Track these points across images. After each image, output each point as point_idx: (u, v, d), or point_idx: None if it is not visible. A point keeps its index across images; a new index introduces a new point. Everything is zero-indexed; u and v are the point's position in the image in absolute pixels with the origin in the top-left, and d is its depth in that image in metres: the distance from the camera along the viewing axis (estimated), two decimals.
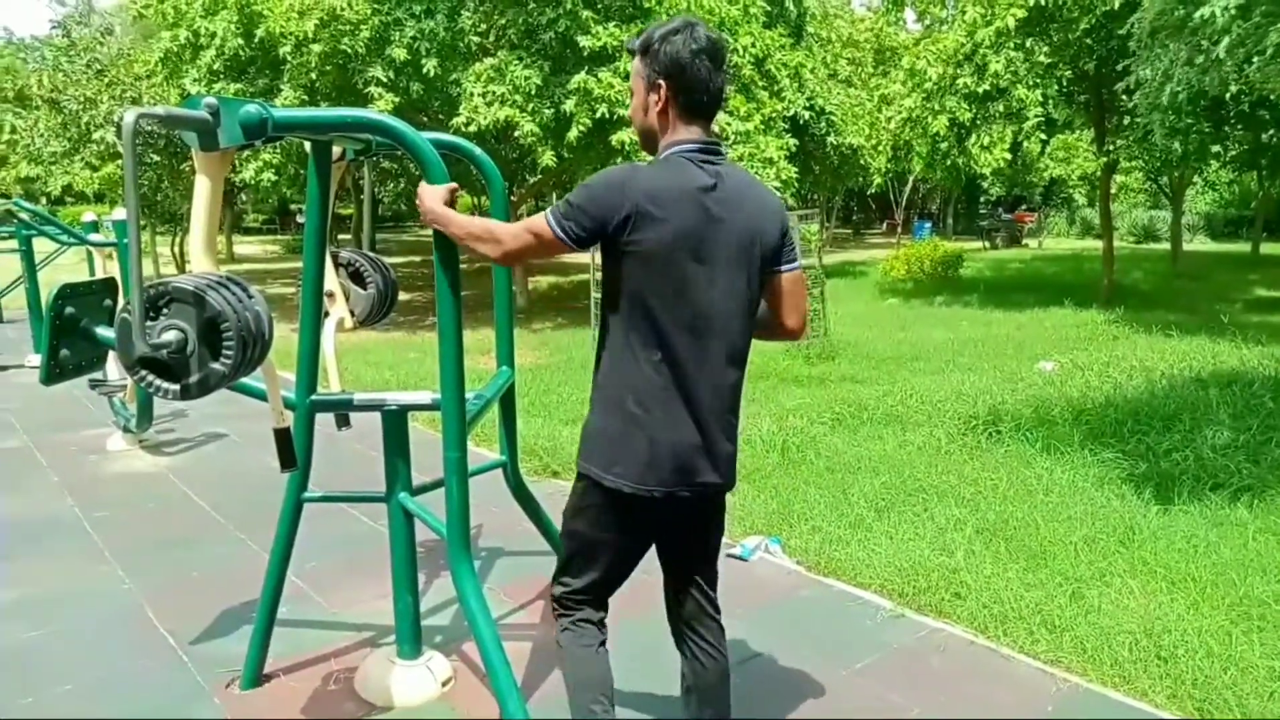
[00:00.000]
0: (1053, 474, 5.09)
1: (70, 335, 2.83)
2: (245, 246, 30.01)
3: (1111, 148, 13.21)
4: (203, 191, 2.40)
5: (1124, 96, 12.13)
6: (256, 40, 10.92)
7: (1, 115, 16.27)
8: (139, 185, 1.91)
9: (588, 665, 2.22)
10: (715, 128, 2.21)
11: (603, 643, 2.27)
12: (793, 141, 12.28)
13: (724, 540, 4.25)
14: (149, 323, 2.17)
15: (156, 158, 14.71)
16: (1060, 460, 5.32)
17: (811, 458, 5.53)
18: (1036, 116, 12.91)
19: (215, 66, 11.34)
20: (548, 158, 10.75)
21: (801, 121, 13.54)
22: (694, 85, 2.01)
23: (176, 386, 2.21)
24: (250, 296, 2.32)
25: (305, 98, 11.05)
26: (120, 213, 5.70)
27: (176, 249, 19.03)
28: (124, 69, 14.96)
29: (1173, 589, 3.64)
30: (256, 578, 3.16)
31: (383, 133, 2.40)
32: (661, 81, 2.02)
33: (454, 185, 2.35)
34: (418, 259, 24.01)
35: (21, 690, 3.04)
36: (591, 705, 2.18)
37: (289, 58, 10.73)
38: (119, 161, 14.88)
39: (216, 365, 2.21)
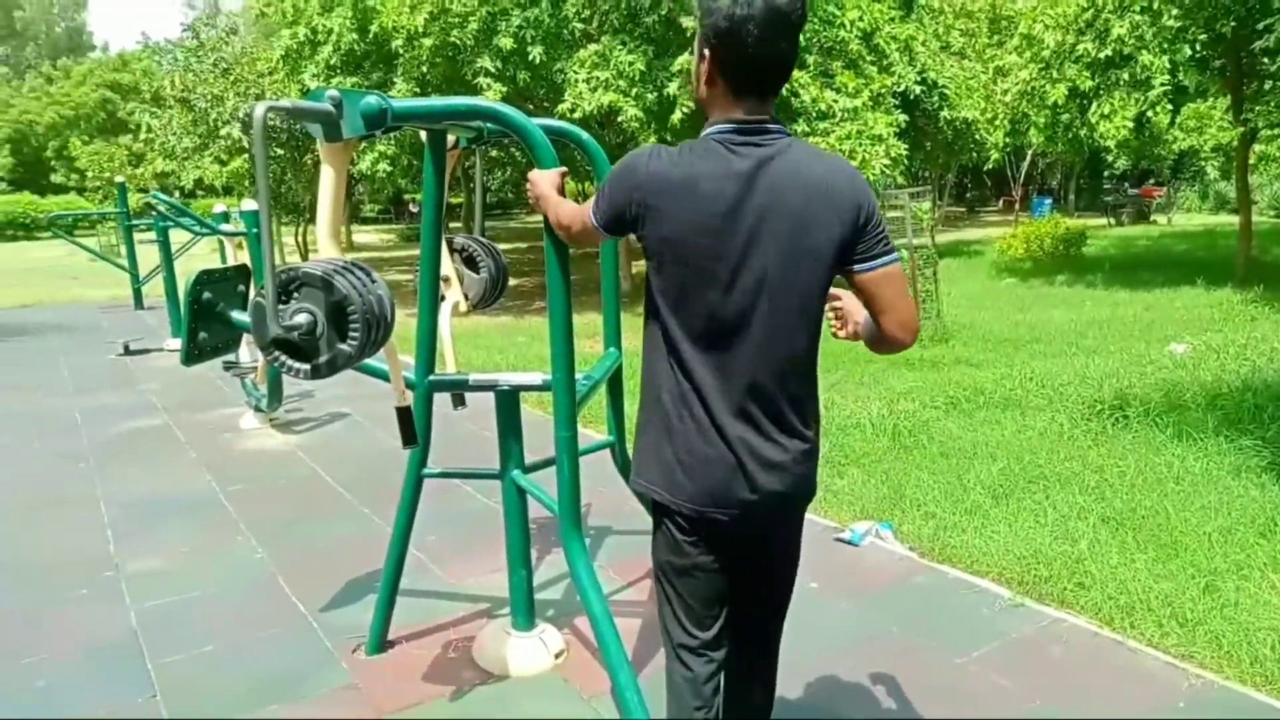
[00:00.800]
0: (1185, 462, 4.81)
1: (207, 319, 3.01)
2: (363, 235, 31.18)
3: (1250, 115, 12.31)
4: (328, 181, 2.51)
5: (1264, 59, 11.30)
6: (370, 35, 11.29)
7: (140, 115, 17.34)
8: (268, 178, 2.01)
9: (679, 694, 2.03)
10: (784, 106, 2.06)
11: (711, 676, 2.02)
12: (903, 117, 11.92)
13: (833, 525, 4.23)
14: (280, 306, 2.29)
15: (280, 151, 15.42)
16: (1193, 447, 5.03)
17: (924, 442, 5.40)
18: (1163, 85, 12.14)
19: (332, 62, 11.78)
20: (651, 141, 10.74)
21: (912, 96, 13.10)
22: (739, 55, 1.72)
23: (307, 366, 2.32)
24: (373, 281, 2.42)
25: (417, 90, 11.37)
26: (249, 204, 6.01)
27: (300, 238, 19.92)
28: (247, 67, 15.74)
29: None
30: (380, 550, 3.30)
31: (495, 119, 2.45)
32: (707, 50, 1.76)
33: (563, 170, 2.38)
34: (524, 245, 24.47)
35: (169, 648, 3.27)
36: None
37: (401, 51, 11.05)
38: (245, 156, 15.69)
39: (344, 346, 2.31)
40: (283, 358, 2.33)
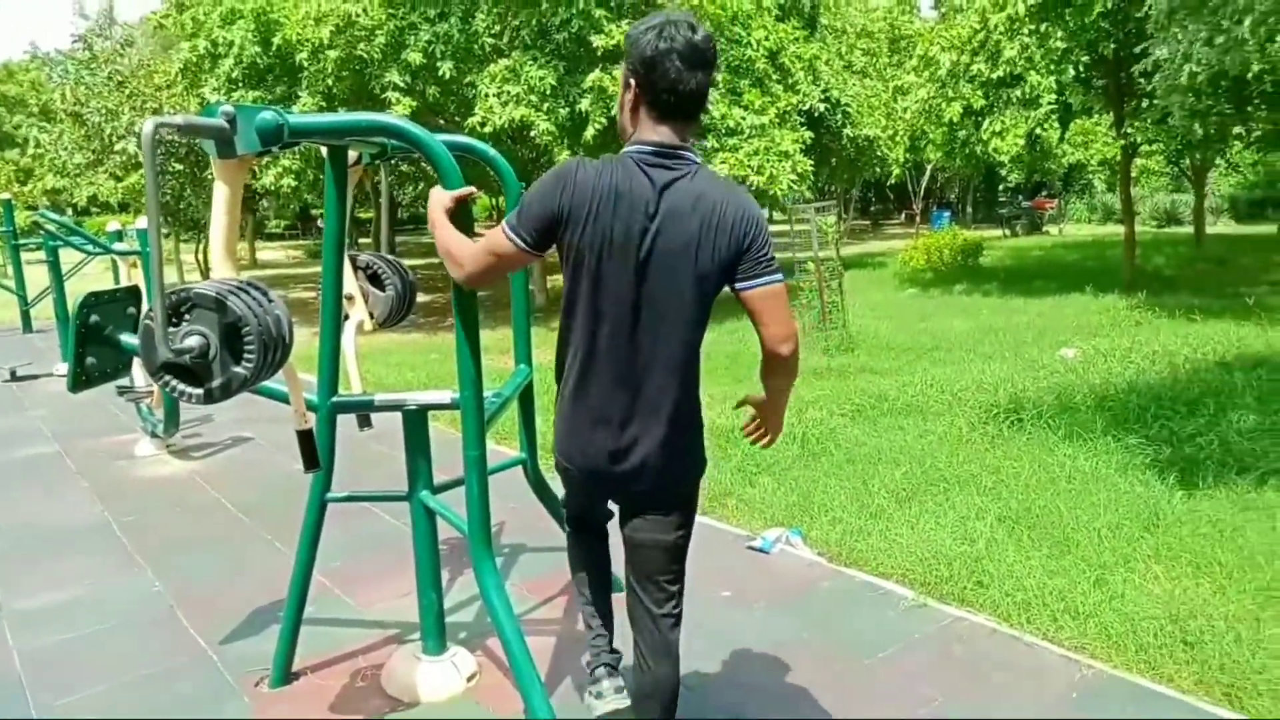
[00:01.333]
0: (1075, 461, 5.05)
1: (96, 343, 2.89)
2: (268, 252, 30.32)
3: (1130, 131, 13.07)
4: (222, 198, 2.44)
5: (1141, 79, 12.00)
6: (274, 48, 11.03)
7: (27, 129, 16.50)
8: (161, 194, 1.95)
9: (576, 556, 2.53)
10: (705, 129, 2.28)
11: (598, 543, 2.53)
12: (808, 134, 12.24)
13: (745, 533, 4.29)
14: (171, 329, 2.21)
15: (179, 166, 14.88)
16: (1083, 447, 5.29)
17: (831, 449, 5.53)
18: (1050, 103, 12.78)
19: (234, 75, 11.46)
20: (564, 157, 10.76)
21: (817, 114, 13.49)
22: (661, 84, 1.94)
23: (200, 391, 2.26)
24: (270, 301, 2.36)
25: (323, 104, 11.15)
26: (143, 221, 5.79)
27: (200, 256, 19.24)
28: (144, 80, 15.16)
29: (1198, 574, 3.62)
30: (284, 578, 3.21)
31: (397, 136, 2.43)
32: (633, 80, 1.99)
33: (469, 190, 2.37)
34: (437, 261, 24.11)
35: (58, 691, 3.10)
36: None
37: (306, 64, 10.83)
38: (141, 171, 15.08)
39: (238, 369, 2.25)
40: (174, 382, 2.26)
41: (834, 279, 9.19)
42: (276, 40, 10.91)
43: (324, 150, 2.86)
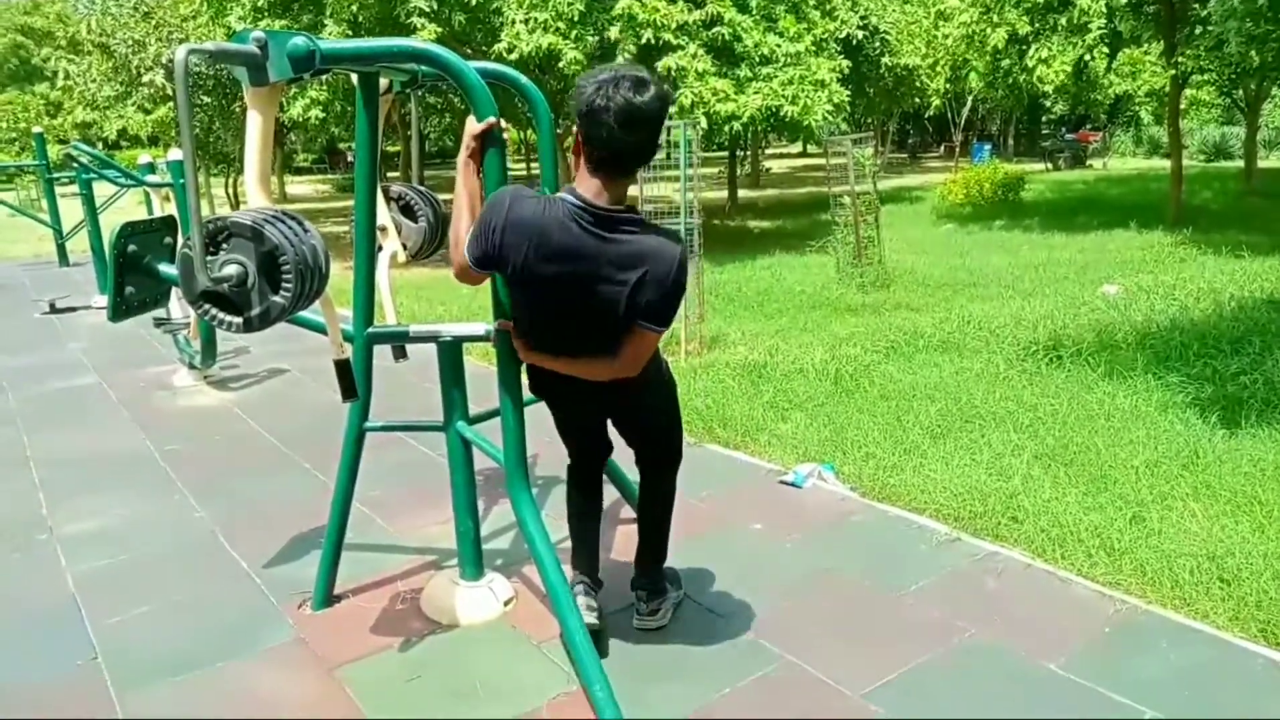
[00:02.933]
0: (1114, 399, 4.98)
1: (134, 272, 2.91)
2: (297, 186, 30.34)
3: (1182, 59, 12.58)
4: (254, 127, 2.42)
5: (1195, 5, 11.49)
6: None
7: (56, 62, 16.50)
8: (192, 125, 1.94)
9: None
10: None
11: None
12: (845, 63, 11.90)
13: (777, 468, 4.30)
14: (209, 257, 2.22)
15: (207, 99, 14.85)
16: (1123, 385, 5.21)
17: (865, 386, 5.49)
18: (1100, 29, 12.29)
19: (259, 4, 11.32)
20: None
21: (855, 42, 13.08)
22: (595, 139, 2.13)
23: (239, 319, 2.27)
24: (306, 231, 2.35)
25: (349, 32, 10.99)
26: (175, 154, 5.79)
27: (230, 189, 19.30)
28: (170, 10, 15.02)
29: (1237, 513, 3.57)
30: (323, 506, 3.27)
31: (429, 62, 2.38)
32: (575, 127, 2.20)
33: (492, 120, 2.34)
34: None
35: (109, 610, 3.21)
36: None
37: None
38: (171, 104, 15.05)
39: (276, 298, 2.25)
40: (213, 311, 2.27)
41: (870, 213, 9.03)
42: None
43: (354, 78, 2.82)
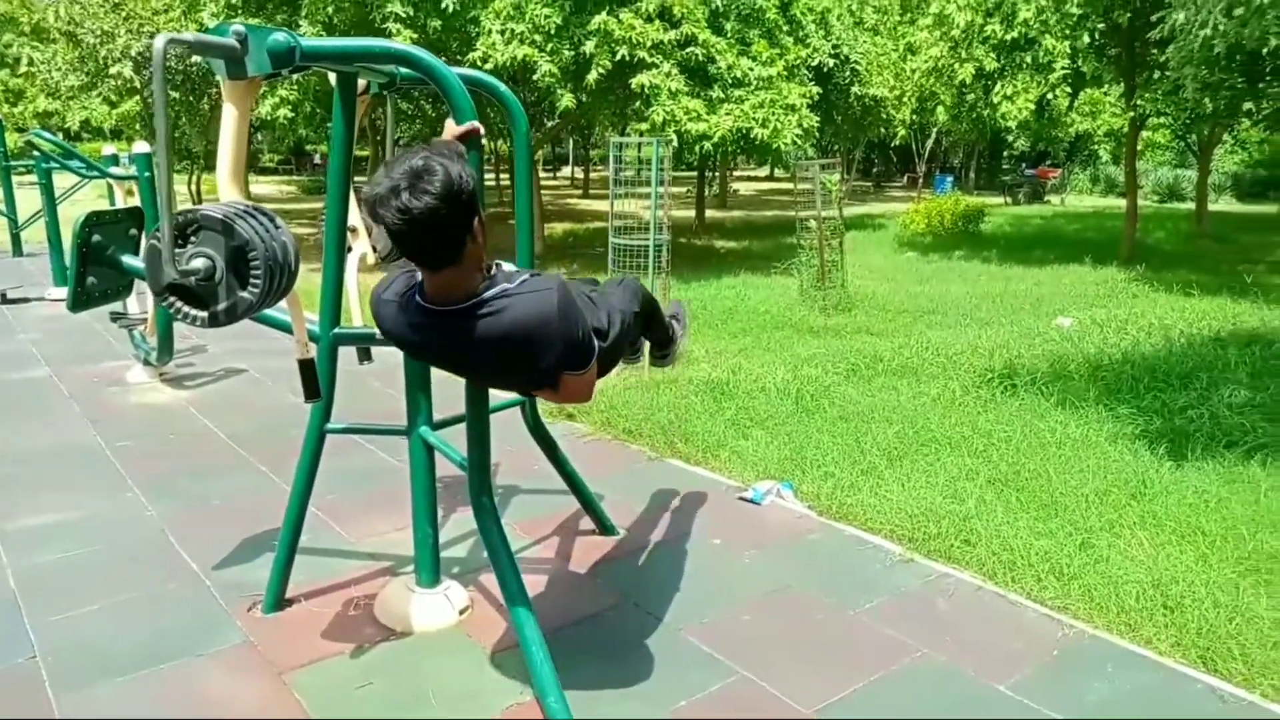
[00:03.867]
0: (1067, 428, 5.09)
1: (97, 263, 2.86)
2: (261, 187, 29.93)
3: (1140, 102, 12.94)
4: (230, 120, 2.40)
5: (1154, 50, 11.84)
6: None
7: (19, 48, 16.17)
8: (168, 116, 1.92)
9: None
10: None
11: None
12: (816, 90, 12.07)
13: (736, 484, 4.33)
14: (177, 250, 2.19)
15: (175, 95, 14.62)
16: (1075, 415, 5.33)
17: (825, 406, 5.55)
18: (1063, 69, 12.62)
19: (234, 1, 11.21)
20: (567, 100, 10.62)
21: (826, 69, 13.28)
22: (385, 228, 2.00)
23: (205, 314, 2.24)
24: (277, 227, 2.34)
25: (323, 33, 10.90)
26: (141, 147, 5.70)
27: (193, 186, 19.01)
28: (141, 3, 14.81)
29: (1182, 542, 3.67)
30: (277, 508, 3.24)
31: (411, 64, 2.39)
32: None
33: (473, 125, 2.35)
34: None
35: (50, 608, 3.13)
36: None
37: None
38: (137, 98, 14.81)
39: (244, 293, 2.24)
40: (178, 304, 2.24)
41: (835, 238, 9.15)
42: None
43: (332, 78, 2.81)
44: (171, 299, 2.23)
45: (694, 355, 7.11)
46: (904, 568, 3.54)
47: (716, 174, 27.54)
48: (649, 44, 10.24)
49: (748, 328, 8.39)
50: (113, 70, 14.31)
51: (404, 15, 10.51)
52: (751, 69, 10.94)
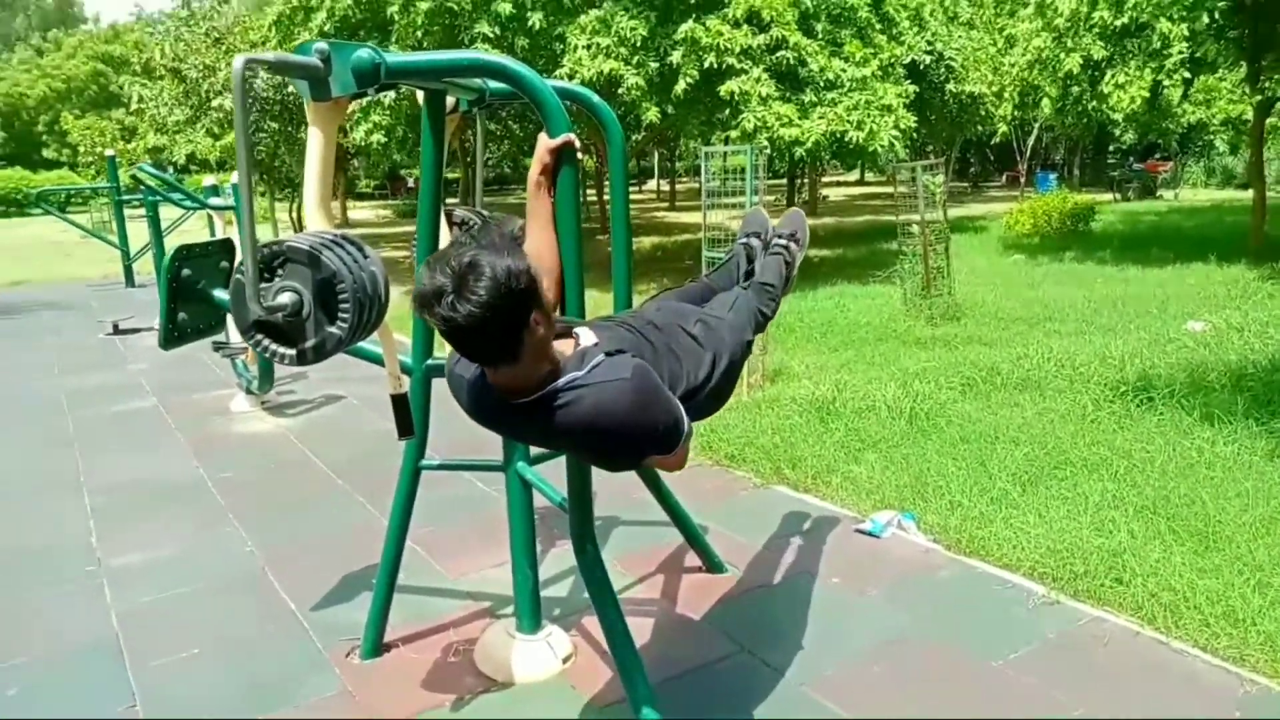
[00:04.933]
0: (1215, 446, 4.60)
1: (188, 298, 2.78)
2: (358, 212, 30.75)
3: (1267, 84, 12.02)
4: (315, 145, 2.27)
5: None
6: (365, 1, 10.95)
7: (130, 87, 16.96)
8: (255, 150, 1.76)
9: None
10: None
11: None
12: (912, 88, 11.61)
13: (852, 515, 4.03)
14: (264, 284, 2.06)
15: (274, 125, 15.07)
16: (1222, 430, 4.82)
17: (942, 425, 5.18)
18: (1180, 53, 11.82)
19: (326, 28, 11.42)
20: (652, 113, 10.44)
21: (921, 67, 12.79)
22: None
23: (293, 351, 2.10)
24: (366, 256, 2.19)
25: None
26: (239, 177, 5.74)
27: (294, 214, 19.60)
28: (240, 36, 15.34)
29: None
30: (376, 542, 3.11)
31: (502, 75, 2.21)
32: None
33: (567, 137, 2.16)
34: (522, 220, 23.98)
35: (152, 651, 3.06)
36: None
37: (396, 17, 10.71)
38: None
39: (333, 329, 2.09)
40: (266, 341, 2.11)
41: (940, 242, 8.70)
42: None
43: (420, 97, 2.67)
44: (258, 336, 2.10)
45: (793, 371, 6.81)
46: (1049, 611, 3.19)
47: (805, 180, 27.03)
48: (737, 50, 9.99)
49: (849, 340, 8.03)
50: (214, 103, 14.84)
51: (492, 35, 10.52)
52: (844, 70, 10.57)
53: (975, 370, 6.30)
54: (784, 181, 21.20)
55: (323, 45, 2.14)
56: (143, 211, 10.85)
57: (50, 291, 13.12)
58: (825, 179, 36.67)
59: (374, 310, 2.16)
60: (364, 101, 11.30)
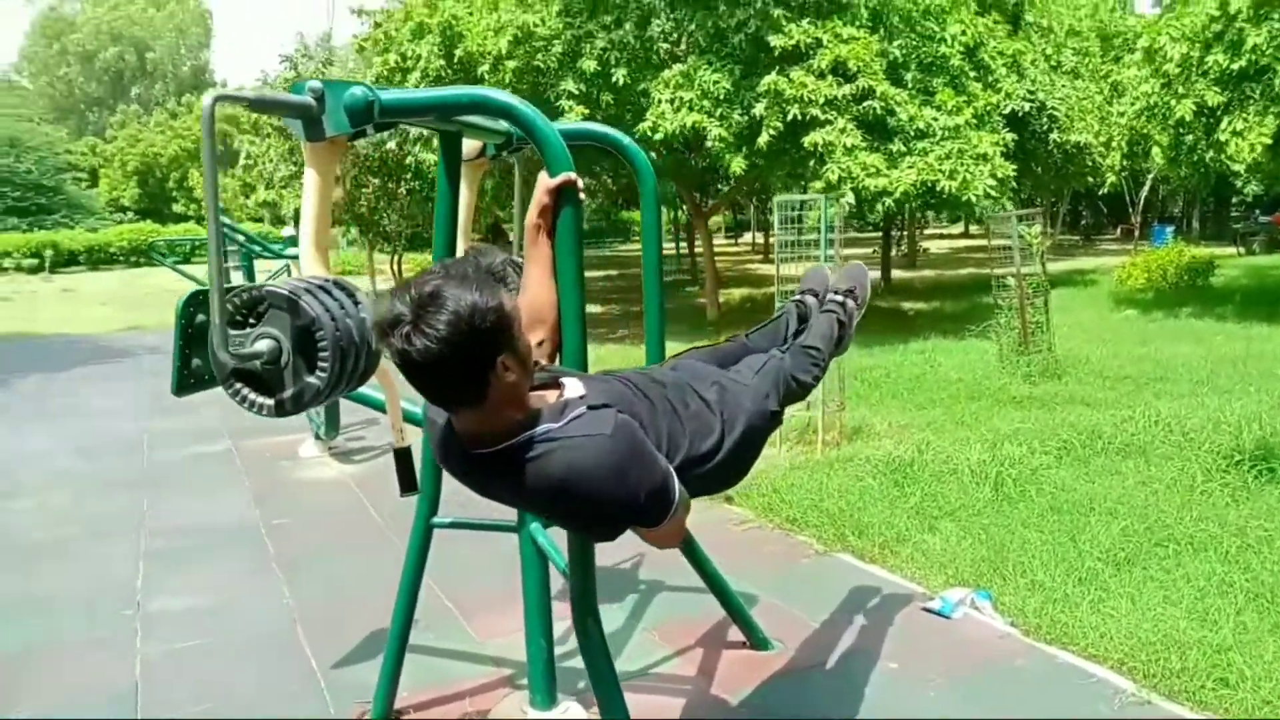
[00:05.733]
0: None
1: (203, 344, 2.71)
2: None
3: None
4: (311, 187, 2.18)
5: None
6: (456, 60, 11.26)
7: (240, 144, 17.93)
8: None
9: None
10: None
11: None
12: (1010, 136, 11.16)
13: (920, 590, 3.67)
14: (244, 331, 1.95)
15: (375, 180, 15.61)
16: None
17: (1032, 494, 4.74)
18: None
19: (420, 86, 11.81)
20: (737, 164, 10.31)
21: (1020, 114, 12.32)
22: None
23: (271, 401, 1.98)
24: (357, 303, 2.07)
25: None
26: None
27: (395, 266, 20.23)
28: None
29: None
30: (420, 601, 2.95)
31: (496, 110, 2.09)
32: None
33: (567, 176, 1.99)
34: (614, 272, 24.28)
35: (165, 706, 2.97)
36: None
37: (486, 76, 10.96)
38: (338, 186, 15.92)
39: (311, 379, 1.97)
40: (245, 391, 2.00)
41: (1038, 295, 8.21)
42: (459, 52, 11.13)
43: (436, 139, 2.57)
44: (237, 385, 1.99)
45: (874, 429, 6.44)
46: (1138, 712, 2.78)
47: (905, 232, 26.42)
48: (821, 100, 9.81)
49: (937, 398, 7.59)
50: None
51: (577, 92, 10.65)
52: (936, 119, 10.25)
53: (1074, 433, 5.81)
54: (878, 234, 20.76)
55: (316, 84, 2.05)
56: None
57: (158, 337, 13.76)
58: (927, 231, 35.88)
59: (360, 359, 2.03)
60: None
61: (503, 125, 2.60)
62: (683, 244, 26.60)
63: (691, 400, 1.97)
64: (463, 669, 3.17)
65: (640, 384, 1.91)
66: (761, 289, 19.33)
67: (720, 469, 1.97)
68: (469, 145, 2.73)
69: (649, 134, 10.09)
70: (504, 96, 2.07)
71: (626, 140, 2.77)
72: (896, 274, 20.32)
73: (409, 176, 14.89)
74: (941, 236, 40.78)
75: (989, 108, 11.04)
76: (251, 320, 1.99)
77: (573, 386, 1.77)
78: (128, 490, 5.57)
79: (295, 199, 17.20)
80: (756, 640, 3.24)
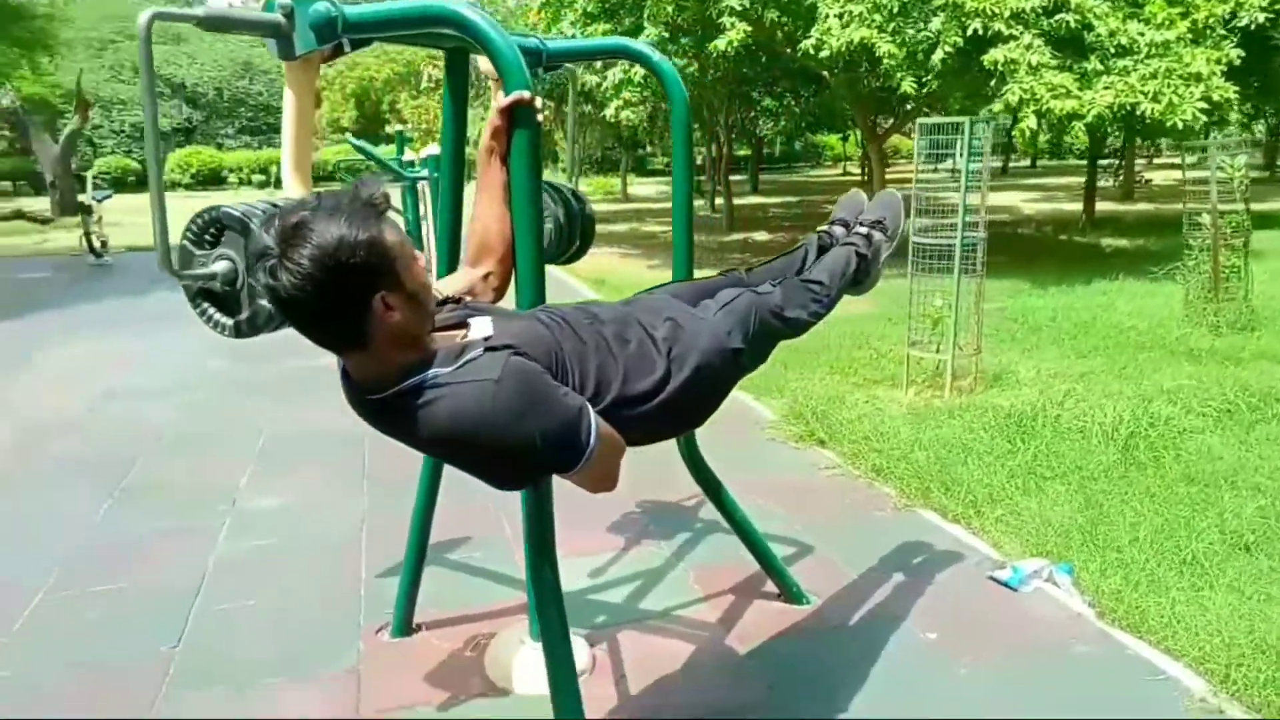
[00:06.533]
0: None
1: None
2: (641, 187, 31.69)
3: None
4: (289, 108, 2.17)
5: None
6: None
7: (424, 67, 18.64)
8: (154, 98, 1.67)
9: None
10: None
11: None
12: (1237, 53, 9.67)
13: (992, 556, 3.36)
14: (204, 251, 1.99)
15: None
16: None
17: (1168, 460, 4.21)
18: None
19: (589, 9, 11.72)
20: (908, 84, 9.58)
21: (1254, 27, 10.64)
22: None
23: (230, 322, 2.02)
24: None
25: (665, 34, 11.01)
26: (431, 149, 5.97)
27: None
28: (521, 18, 16.24)
29: None
30: (478, 522, 3.39)
31: (448, 23, 1.95)
32: None
33: (522, 95, 1.86)
34: (792, 198, 23.47)
35: (223, 596, 3.22)
36: None
37: None
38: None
39: (264, 302, 1.97)
40: (210, 310, 2.05)
41: (1237, 236, 7.17)
42: None
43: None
44: (204, 305, 2.04)
45: (1019, 376, 5.93)
46: (1204, 718, 2.42)
47: (1122, 161, 23.86)
48: (1007, 14, 8.87)
49: (1103, 345, 6.87)
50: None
51: (740, 8, 10.20)
52: (1143, 34, 9.03)
53: (1243, 394, 5.10)
54: (1084, 163, 18.86)
55: (286, 1, 2.01)
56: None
57: None
58: (1157, 161, 32.24)
59: None
60: (614, 77, 11.46)
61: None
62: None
63: (633, 336, 1.83)
64: (493, 590, 3.23)
65: (572, 320, 1.80)
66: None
67: (664, 410, 1.83)
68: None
69: (813, 51, 9.56)
70: (458, 8, 1.95)
71: (649, 52, 2.59)
72: (1105, 206, 18.47)
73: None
74: (1175, 166, 36.57)
75: (1213, 19, 9.58)
76: (209, 241, 2.02)
77: (479, 326, 1.67)
78: (256, 394, 6.01)
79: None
80: (791, 594, 3.08)
